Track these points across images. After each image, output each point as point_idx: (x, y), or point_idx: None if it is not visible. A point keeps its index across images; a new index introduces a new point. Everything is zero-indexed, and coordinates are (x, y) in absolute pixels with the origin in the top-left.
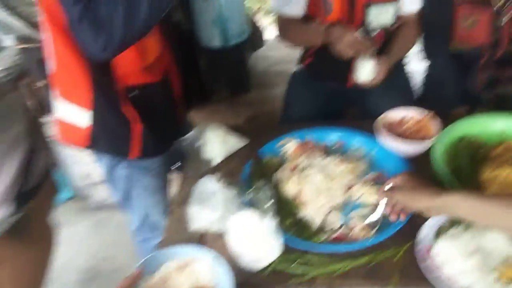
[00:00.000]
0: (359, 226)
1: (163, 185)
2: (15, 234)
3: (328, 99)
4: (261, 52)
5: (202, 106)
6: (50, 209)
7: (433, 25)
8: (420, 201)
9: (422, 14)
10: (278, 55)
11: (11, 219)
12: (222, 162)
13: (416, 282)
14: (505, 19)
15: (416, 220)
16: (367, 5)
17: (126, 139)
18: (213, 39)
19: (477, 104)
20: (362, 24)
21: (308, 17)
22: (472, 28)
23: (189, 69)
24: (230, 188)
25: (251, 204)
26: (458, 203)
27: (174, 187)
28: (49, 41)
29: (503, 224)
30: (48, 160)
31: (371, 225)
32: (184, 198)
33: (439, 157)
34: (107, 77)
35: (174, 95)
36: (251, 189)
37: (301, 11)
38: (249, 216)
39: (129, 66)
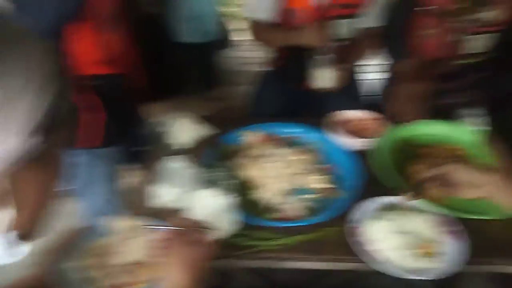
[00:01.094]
0: (302, 207)
1: (114, 173)
2: (31, 162)
3: (291, 100)
4: (227, 52)
5: (169, 98)
6: (63, 149)
7: (392, 36)
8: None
9: (381, 29)
10: (244, 56)
11: (29, 150)
12: (185, 146)
13: (352, 258)
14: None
15: (357, 205)
16: (329, 18)
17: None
18: (185, 35)
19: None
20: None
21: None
22: (426, 40)
23: (160, 62)
24: (192, 168)
25: (211, 183)
26: None
27: (125, 178)
28: None
29: None
30: (68, 107)
31: (311, 206)
32: (146, 176)
33: (379, 152)
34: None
35: (135, 87)
36: (211, 170)
37: (271, 17)
38: (207, 194)
39: (89, 56)
